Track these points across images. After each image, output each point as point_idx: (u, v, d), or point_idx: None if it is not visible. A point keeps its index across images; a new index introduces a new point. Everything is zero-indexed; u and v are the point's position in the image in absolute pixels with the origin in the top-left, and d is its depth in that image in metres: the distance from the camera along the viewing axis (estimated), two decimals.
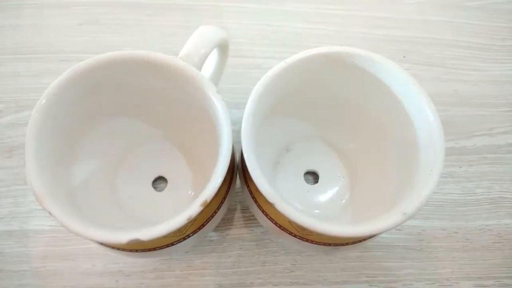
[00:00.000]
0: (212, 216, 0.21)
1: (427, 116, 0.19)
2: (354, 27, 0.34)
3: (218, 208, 0.21)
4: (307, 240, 0.20)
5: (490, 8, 0.36)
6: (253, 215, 0.27)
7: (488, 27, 0.35)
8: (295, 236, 0.20)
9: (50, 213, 0.17)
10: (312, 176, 0.27)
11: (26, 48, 0.32)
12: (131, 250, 0.20)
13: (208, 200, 0.17)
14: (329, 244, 0.20)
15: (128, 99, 0.23)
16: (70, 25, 0.33)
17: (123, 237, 0.17)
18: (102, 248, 0.21)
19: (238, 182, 0.24)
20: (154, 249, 0.20)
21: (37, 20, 0.33)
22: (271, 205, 0.18)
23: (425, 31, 0.35)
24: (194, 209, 0.17)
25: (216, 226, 0.23)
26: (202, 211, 0.18)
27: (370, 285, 0.26)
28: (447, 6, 0.36)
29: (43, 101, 0.18)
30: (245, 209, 0.28)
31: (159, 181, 0.27)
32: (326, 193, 0.26)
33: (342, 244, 0.20)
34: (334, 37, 0.34)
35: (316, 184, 0.27)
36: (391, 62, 0.20)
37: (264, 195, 0.18)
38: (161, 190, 0.26)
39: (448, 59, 0.34)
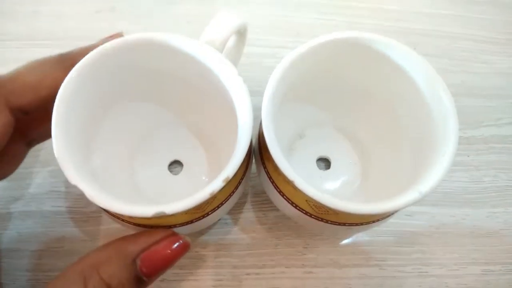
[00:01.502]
0: (230, 195, 0.21)
1: (442, 100, 0.20)
2: (366, 18, 0.35)
3: (236, 188, 0.21)
4: (322, 220, 0.21)
5: (499, 3, 0.37)
6: (266, 200, 0.28)
7: (496, 21, 0.36)
8: (310, 216, 0.21)
9: (78, 187, 0.18)
10: (324, 163, 0.28)
11: (44, 35, 0.32)
12: (152, 227, 0.20)
13: (230, 176, 0.18)
14: (344, 224, 0.21)
15: (148, 82, 0.24)
16: (87, 13, 0.34)
17: (149, 211, 0.17)
18: (122, 227, 0.21)
19: (252, 167, 0.25)
20: (175, 225, 0.20)
21: (55, 7, 0.34)
22: (288, 183, 0.19)
23: (435, 24, 0.35)
24: (216, 184, 0.18)
25: (230, 210, 0.23)
26: (222, 188, 0.18)
27: (380, 269, 0.26)
28: (456, 0, 0.37)
29: (73, 75, 0.19)
30: (258, 194, 0.28)
31: (175, 165, 0.27)
32: (338, 179, 0.27)
33: (357, 224, 0.21)
34: (346, 28, 0.34)
35: (328, 170, 0.27)
36: (408, 48, 0.21)
37: (284, 173, 0.19)
38: (176, 173, 0.27)
39: (457, 51, 0.34)
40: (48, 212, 0.27)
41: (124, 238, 0.19)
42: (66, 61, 0.20)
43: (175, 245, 0.19)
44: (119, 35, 0.21)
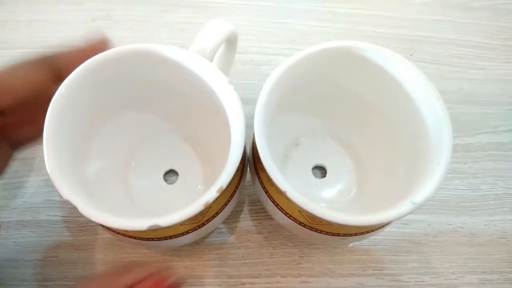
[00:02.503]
0: (226, 204, 0.21)
1: (435, 109, 0.20)
2: (361, 25, 0.35)
3: (231, 197, 0.21)
4: (316, 230, 0.21)
5: (495, 9, 0.37)
6: (262, 208, 0.28)
7: (492, 27, 0.36)
8: (304, 226, 0.21)
9: (71, 202, 0.17)
10: (320, 171, 0.28)
11: (40, 43, 0.33)
12: (147, 239, 0.20)
13: (224, 187, 0.18)
14: (338, 235, 0.21)
15: (140, 92, 0.24)
16: (83, 21, 0.34)
17: (143, 224, 0.17)
18: (116, 238, 0.21)
19: (248, 176, 0.25)
20: (170, 237, 0.20)
21: (51, 16, 0.34)
22: (282, 194, 0.19)
23: (431, 30, 0.35)
24: (210, 195, 0.18)
25: (226, 219, 0.23)
26: (217, 199, 0.18)
27: (376, 278, 0.26)
28: (452, 6, 0.37)
29: (63, 90, 0.19)
30: (253, 203, 0.28)
31: (170, 174, 0.27)
32: (333, 187, 0.27)
33: (351, 235, 0.21)
34: (342, 35, 0.34)
35: (324, 178, 0.27)
36: (401, 57, 0.21)
37: (276, 183, 0.19)
38: (172, 183, 0.27)
39: (453, 58, 0.34)
40: (44, 222, 0.27)
41: (114, 272, 0.19)
42: (48, 64, 0.20)
43: (164, 284, 0.19)
44: (103, 41, 0.21)
